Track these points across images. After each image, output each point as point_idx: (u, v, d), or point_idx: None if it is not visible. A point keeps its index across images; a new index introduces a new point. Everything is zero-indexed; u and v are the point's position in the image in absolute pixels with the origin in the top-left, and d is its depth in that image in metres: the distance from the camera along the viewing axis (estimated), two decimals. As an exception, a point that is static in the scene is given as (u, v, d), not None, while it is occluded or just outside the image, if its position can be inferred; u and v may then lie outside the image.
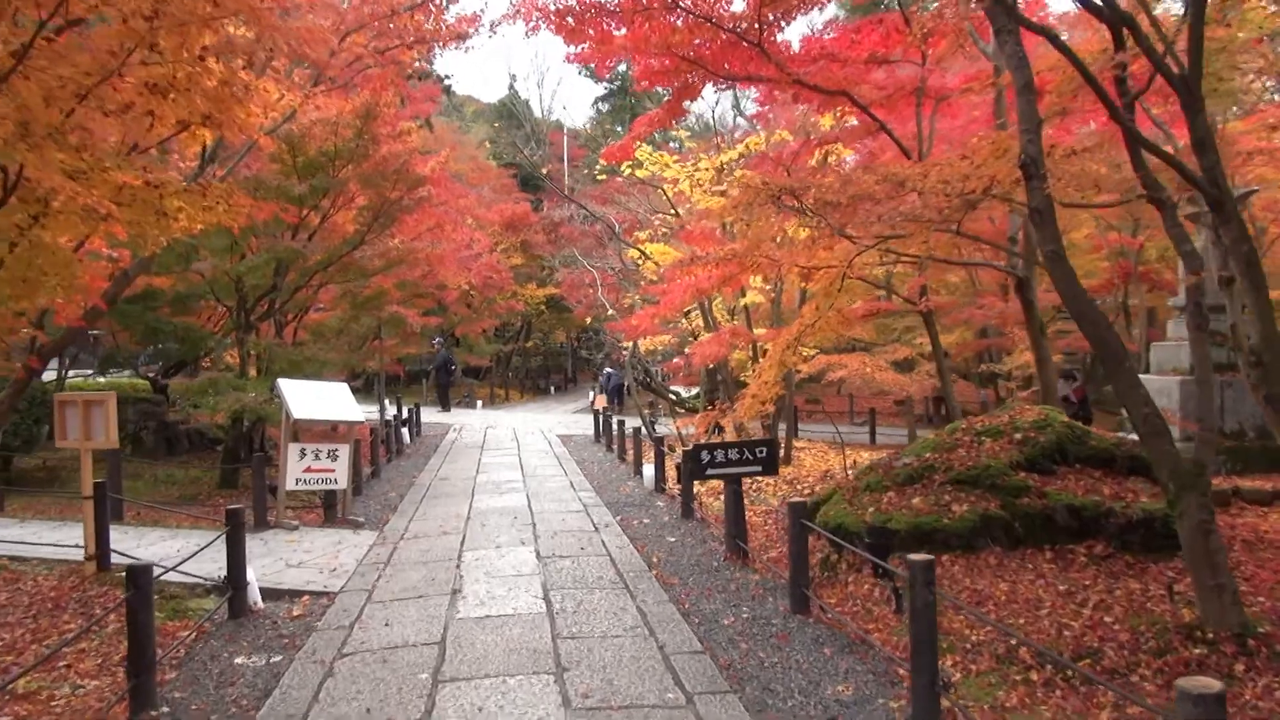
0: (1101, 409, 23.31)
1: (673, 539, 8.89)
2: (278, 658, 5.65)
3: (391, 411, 21.04)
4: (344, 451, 10.15)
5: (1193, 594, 5.39)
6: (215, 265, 11.39)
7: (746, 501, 8.65)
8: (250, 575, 6.65)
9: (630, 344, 16.30)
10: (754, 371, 8.88)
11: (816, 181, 6.65)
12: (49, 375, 19.86)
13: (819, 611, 6.18)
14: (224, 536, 6.56)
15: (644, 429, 13.69)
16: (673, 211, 13.19)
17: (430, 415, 24.25)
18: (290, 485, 9.77)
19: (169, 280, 13.41)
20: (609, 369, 28.73)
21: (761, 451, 7.74)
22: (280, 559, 8.16)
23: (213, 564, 6.86)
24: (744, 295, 12.42)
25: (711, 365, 16.27)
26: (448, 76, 57.84)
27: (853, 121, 11.51)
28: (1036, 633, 5.36)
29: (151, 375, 17.41)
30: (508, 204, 33.89)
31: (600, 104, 56.22)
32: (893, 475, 7.64)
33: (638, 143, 11.05)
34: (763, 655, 5.42)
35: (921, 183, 6.43)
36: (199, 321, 15.18)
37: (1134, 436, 8.12)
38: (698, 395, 19.44)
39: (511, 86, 68.69)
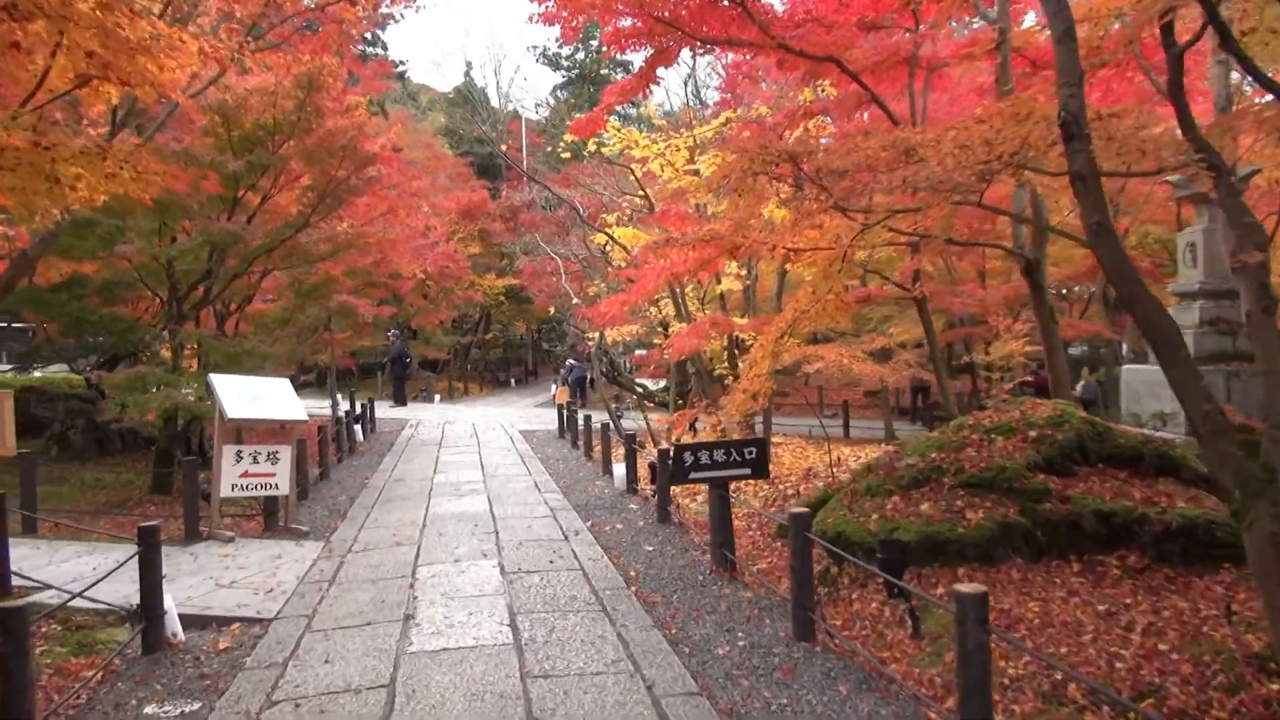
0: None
1: (650, 547, 8.10)
2: (194, 705, 4.76)
3: (344, 407, 20.04)
4: (286, 453, 9.21)
5: (1255, 615, 4.72)
6: (142, 249, 10.33)
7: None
8: (168, 602, 5.73)
9: (596, 334, 15.45)
10: (743, 364, 8.09)
11: (819, 146, 5.88)
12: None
13: (825, 637, 5.42)
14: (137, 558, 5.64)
15: (612, 425, 12.88)
16: (641, 193, 12.37)
17: (386, 410, 23.22)
18: (225, 492, 8.81)
19: (94, 266, 12.35)
20: (571, 361, 27.89)
21: (750, 452, 6.96)
22: (210, 577, 7.22)
23: (131, 584, 5.90)
24: (719, 282, 11.65)
25: (683, 358, 15.51)
26: (402, 62, 56.47)
27: (833, 94, 10.79)
28: (1083, 664, 4.65)
29: (87, 370, 16.26)
30: (464, 191, 32.85)
31: (559, 91, 55.23)
32: (896, 478, 6.92)
33: (607, 114, 10.21)
34: (768, 695, 4.64)
35: (934, 150, 5.68)
36: (131, 312, 14.08)
37: (1163, 434, 7.50)
38: (665, 388, 18.68)
39: (468, 74, 67.08)
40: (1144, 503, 6.12)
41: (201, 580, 7.14)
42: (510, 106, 52.83)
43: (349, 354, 24.17)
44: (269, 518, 9.24)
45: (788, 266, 11.18)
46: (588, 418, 14.67)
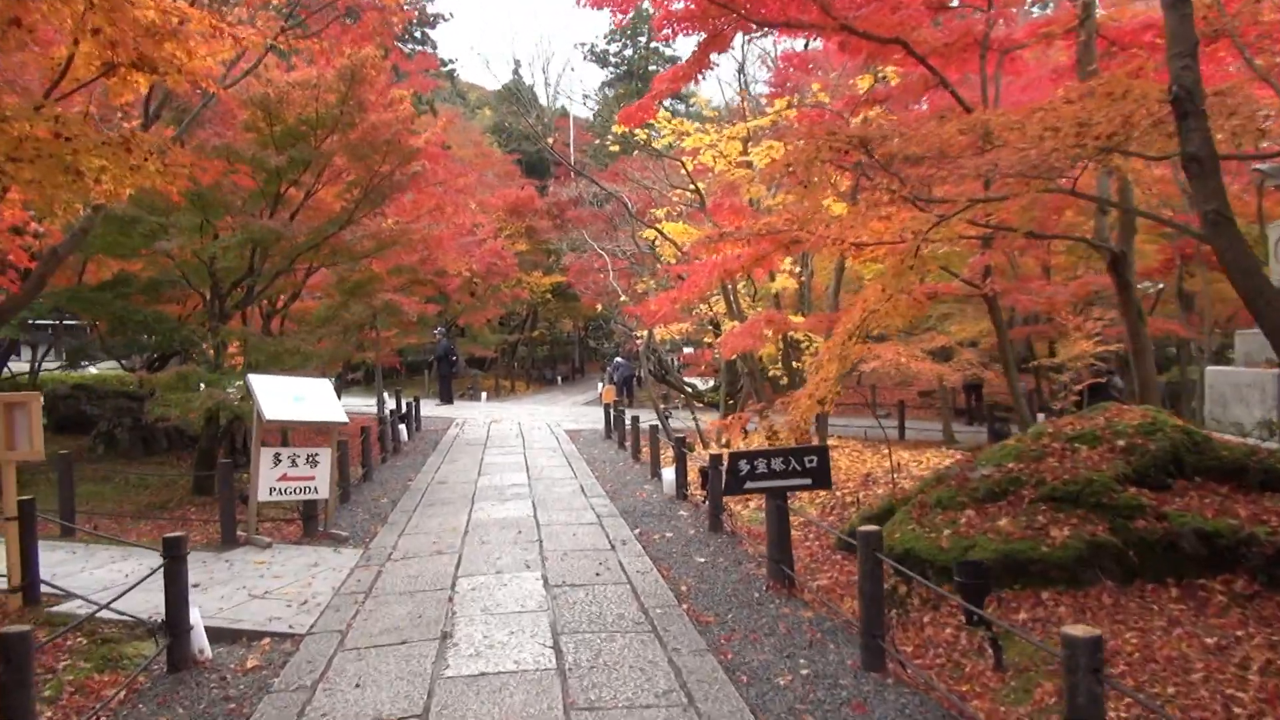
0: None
1: (702, 559, 7.67)
2: (216, 733, 4.45)
3: (390, 405, 19.90)
4: (325, 456, 8.94)
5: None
6: (184, 246, 10.15)
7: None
8: (195, 617, 5.44)
9: (645, 333, 15.04)
10: (807, 365, 7.61)
11: (894, 130, 5.38)
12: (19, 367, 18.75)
13: (897, 668, 4.94)
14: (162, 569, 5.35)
15: (660, 427, 12.46)
16: (692, 187, 11.92)
17: (432, 408, 23.08)
18: (263, 496, 8.57)
19: (140, 264, 12.26)
20: (618, 359, 27.57)
21: (811, 461, 6.49)
22: (243, 587, 6.95)
23: (162, 594, 5.66)
24: (773, 279, 11.17)
25: (734, 357, 15.03)
26: (451, 60, 56.74)
27: (894, 81, 10.25)
28: (1196, 708, 4.11)
29: (140, 369, 16.29)
30: (512, 189, 32.66)
31: (607, 89, 55.03)
32: (970, 489, 6.40)
33: (657, 103, 9.79)
34: (837, 735, 4.19)
35: (1017, 133, 5.16)
36: (178, 310, 14.01)
37: (1269, 445, 6.88)
38: (715, 388, 18.21)
39: (516, 72, 67.35)
40: (1250, 521, 5.53)
41: (234, 590, 6.86)
42: (558, 104, 52.79)
43: (395, 352, 24.08)
44: (308, 522, 8.99)
45: (849, 262, 10.64)
46: (635, 418, 14.27)
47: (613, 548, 7.95)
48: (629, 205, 12.71)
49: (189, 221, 10.38)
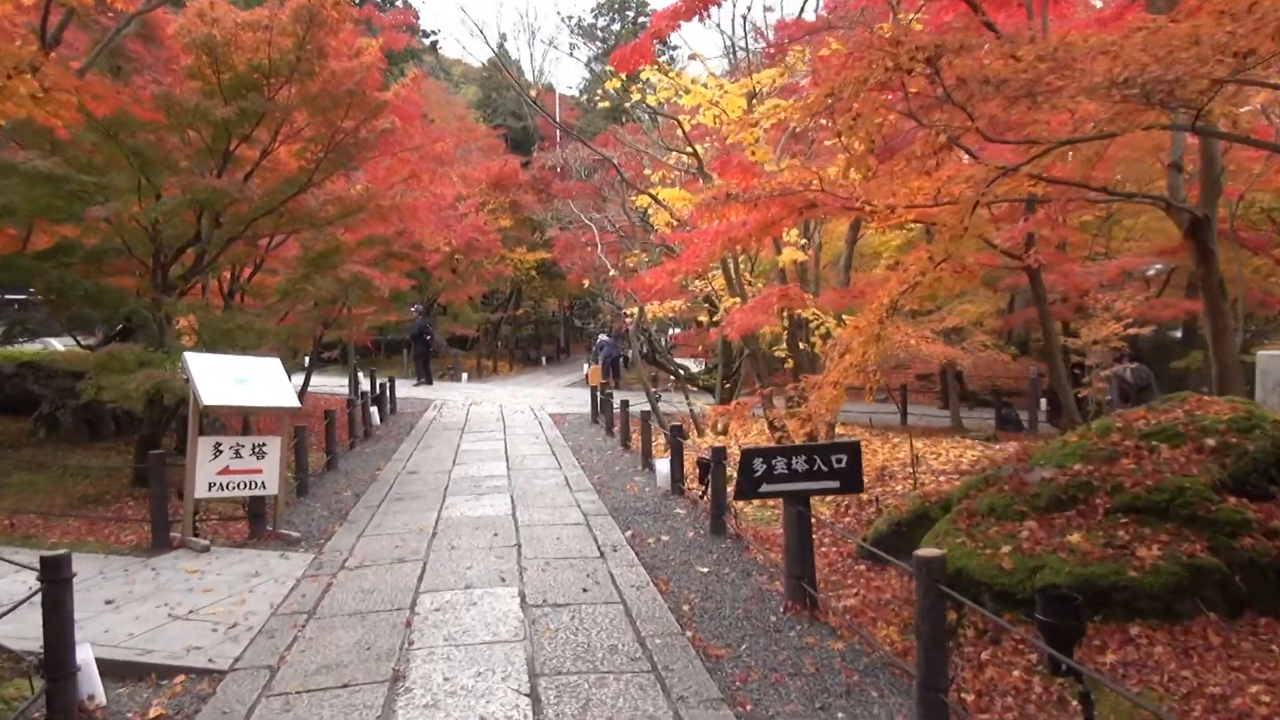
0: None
1: (705, 568, 6.64)
2: (86, 823, 3.39)
3: (365, 386, 18.78)
4: (274, 447, 7.85)
5: None
6: (119, 210, 8.97)
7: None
8: (84, 655, 4.36)
9: (635, 311, 13.97)
10: (829, 350, 6.57)
11: (975, 41, 4.29)
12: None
13: (963, 726, 3.94)
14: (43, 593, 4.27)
15: (653, 412, 11.42)
16: (689, 149, 10.82)
17: (410, 390, 21.95)
18: (201, 492, 7.47)
19: (80, 231, 11.06)
20: (603, 337, 26.41)
21: (839, 460, 5.46)
22: (166, 604, 5.87)
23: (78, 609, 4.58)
24: (779, 251, 10.10)
25: (736, 338, 13.99)
26: (434, 32, 55.20)
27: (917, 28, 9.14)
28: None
29: (90, 345, 15.09)
30: (495, 162, 31.43)
31: (593, 64, 53.73)
32: (1029, 496, 5.38)
33: (656, 41, 8.70)
34: (903, 836, 3.17)
35: (1109, 59, 4.09)
36: (132, 283, 12.81)
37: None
38: (709, 370, 17.18)
39: (501, 45, 65.77)
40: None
41: (154, 608, 5.78)
42: (544, 79, 51.51)
43: (374, 330, 22.88)
44: (255, 521, 7.90)
45: (870, 232, 9.62)
46: (624, 403, 13.22)
47: (602, 555, 6.91)
48: (620, 169, 11.60)
49: (125, 181, 9.20)
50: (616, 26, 53.94)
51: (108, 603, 5.87)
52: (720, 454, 7.65)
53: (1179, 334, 19.15)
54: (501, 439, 13.69)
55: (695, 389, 16.78)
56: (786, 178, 7.54)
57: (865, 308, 5.98)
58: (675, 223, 11.10)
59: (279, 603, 5.87)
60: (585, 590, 5.97)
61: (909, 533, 6.51)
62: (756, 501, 9.23)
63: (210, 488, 7.50)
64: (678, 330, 23.61)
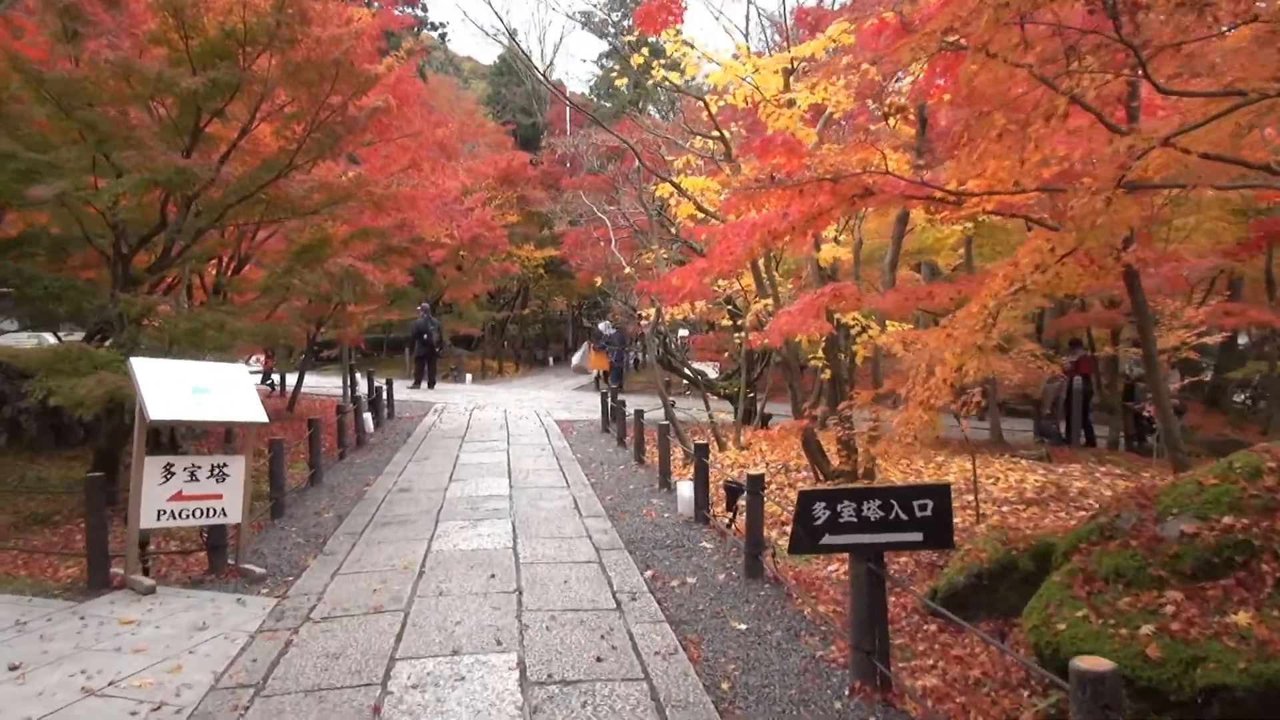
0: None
1: (742, 624, 5.51)
2: None
3: (363, 388, 17.71)
4: (237, 468, 6.75)
5: None
6: (66, 189, 7.87)
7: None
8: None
9: (651, 312, 12.84)
10: (913, 364, 5.44)
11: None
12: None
13: None
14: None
15: (674, 429, 10.29)
16: (715, 134, 9.68)
17: (408, 393, 20.84)
18: (148, 521, 6.37)
19: (44, 218, 10.01)
20: (605, 326, 25.11)
21: (923, 506, 4.33)
22: (84, 670, 4.76)
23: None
24: (818, 249, 8.97)
25: (778, 344, 12.85)
26: (443, 24, 54.48)
27: None
28: None
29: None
30: (503, 155, 30.36)
31: (604, 60, 52.69)
32: (1165, 555, 4.23)
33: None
34: None
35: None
36: (96, 275, 11.73)
37: None
38: (728, 377, 16.07)
39: (512, 39, 64.89)
40: None
41: (68, 677, 4.67)
42: (554, 76, 50.50)
43: (369, 328, 21.79)
44: (214, 553, 6.80)
45: (933, 220, 8.48)
46: (639, 413, 12.08)
47: (618, 606, 5.78)
48: (638, 154, 10.47)
49: (79, 159, 8.11)
50: (629, 22, 52.98)
51: (11, 669, 4.77)
52: (757, 483, 6.52)
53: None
54: (504, 450, 12.58)
55: (715, 397, 15.61)
56: (838, 160, 6.44)
57: (960, 313, 4.83)
58: (699, 216, 9.96)
59: (223, 670, 4.76)
60: (600, 660, 4.83)
61: (992, 588, 5.38)
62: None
63: (160, 516, 6.40)
64: (686, 333, 22.41)
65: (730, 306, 14.56)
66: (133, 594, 6.11)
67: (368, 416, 14.02)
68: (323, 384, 21.67)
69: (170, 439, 10.59)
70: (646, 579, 6.45)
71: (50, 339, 17.46)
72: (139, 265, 9.40)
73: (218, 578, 6.62)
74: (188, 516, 6.52)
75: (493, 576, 6.38)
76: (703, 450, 8.25)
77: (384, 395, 16.35)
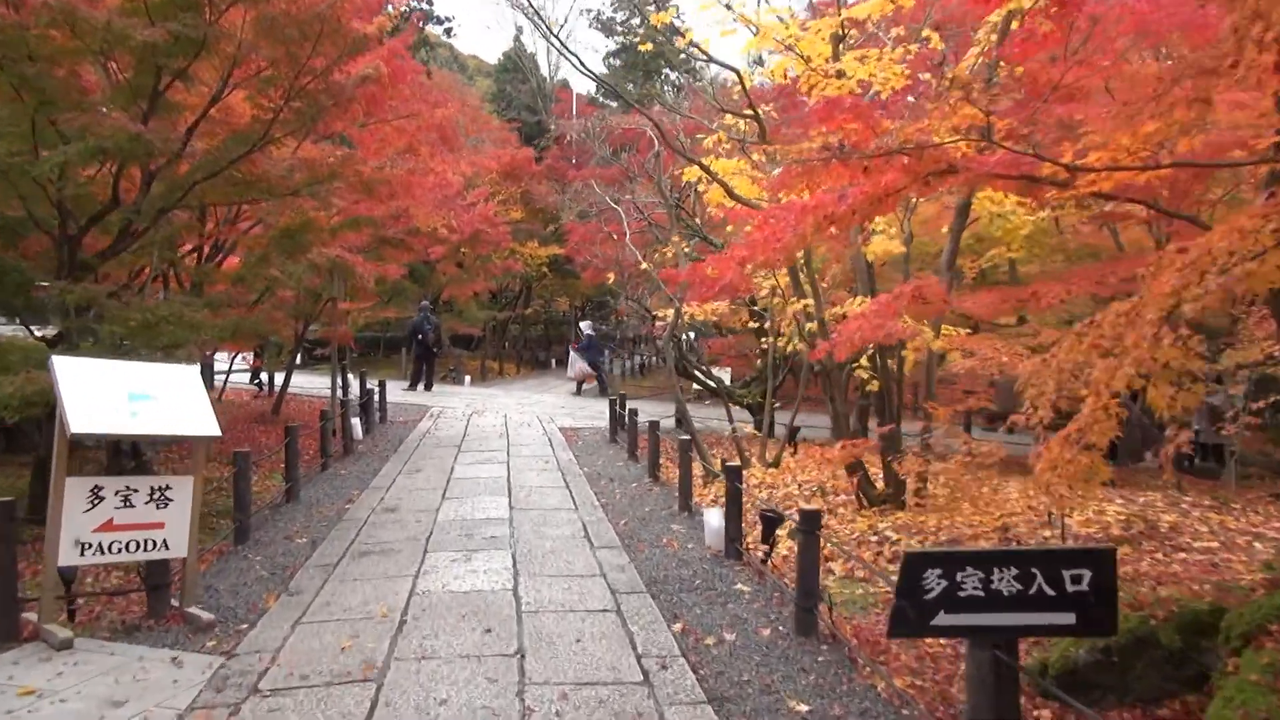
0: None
1: (805, 706, 4.35)
2: None
3: (355, 390, 16.56)
4: (183, 491, 5.59)
5: None
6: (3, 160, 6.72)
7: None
8: None
9: (668, 313, 11.68)
10: (1028, 388, 4.27)
11: None
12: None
13: None
14: None
15: (695, 445, 9.14)
16: (748, 112, 8.54)
17: (405, 394, 19.65)
18: (69, 557, 5.20)
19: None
20: (585, 326, 24.20)
21: (1077, 578, 3.17)
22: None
23: None
24: (866, 242, 7.82)
25: (845, 355, 11.70)
26: (449, 18, 53.63)
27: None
28: None
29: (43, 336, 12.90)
30: (507, 150, 29.26)
31: (611, 59, 51.66)
32: None
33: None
34: None
35: None
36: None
37: None
38: (746, 385, 14.92)
39: (517, 39, 63.75)
40: None
41: (-81, 783, 3.52)
42: (560, 75, 49.52)
43: (363, 325, 20.60)
44: (154, 594, 5.64)
45: (1003, 208, 7.37)
46: (653, 424, 10.88)
47: (645, 677, 4.61)
48: (662, 131, 9.30)
49: (15, 122, 6.96)
50: (636, 20, 51.92)
51: None
52: (812, 521, 5.35)
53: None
54: (504, 463, 11.41)
55: (744, 406, 14.43)
56: (923, 124, 5.32)
57: (1109, 317, 3.68)
58: (728, 203, 8.80)
59: (130, 773, 3.60)
60: (628, 764, 3.68)
61: (1124, 666, 4.24)
62: (840, 570, 6.97)
63: (83, 551, 5.23)
64: (693, 334, 21.25)
65: (751, 307, 13.41)
66: (44, 649, 4.95)
67: (356, 422, 12.85)
68: (315, 384, 20.50)
69: (133, 449, 9.44)
70: (676, 634, 5.29)
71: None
72: (92, 250, 8.25)
73: (156, 625, 5.47)
74: (119, 551, 5.36)
75: (489, 631, 5.22)
76: (735, 473, 7.08)
77: (375, 398, 15.17)
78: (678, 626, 5.43)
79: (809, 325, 8.44)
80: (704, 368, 15.57)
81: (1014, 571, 3.21)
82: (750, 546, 7.07)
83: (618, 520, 8.40)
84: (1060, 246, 14.97)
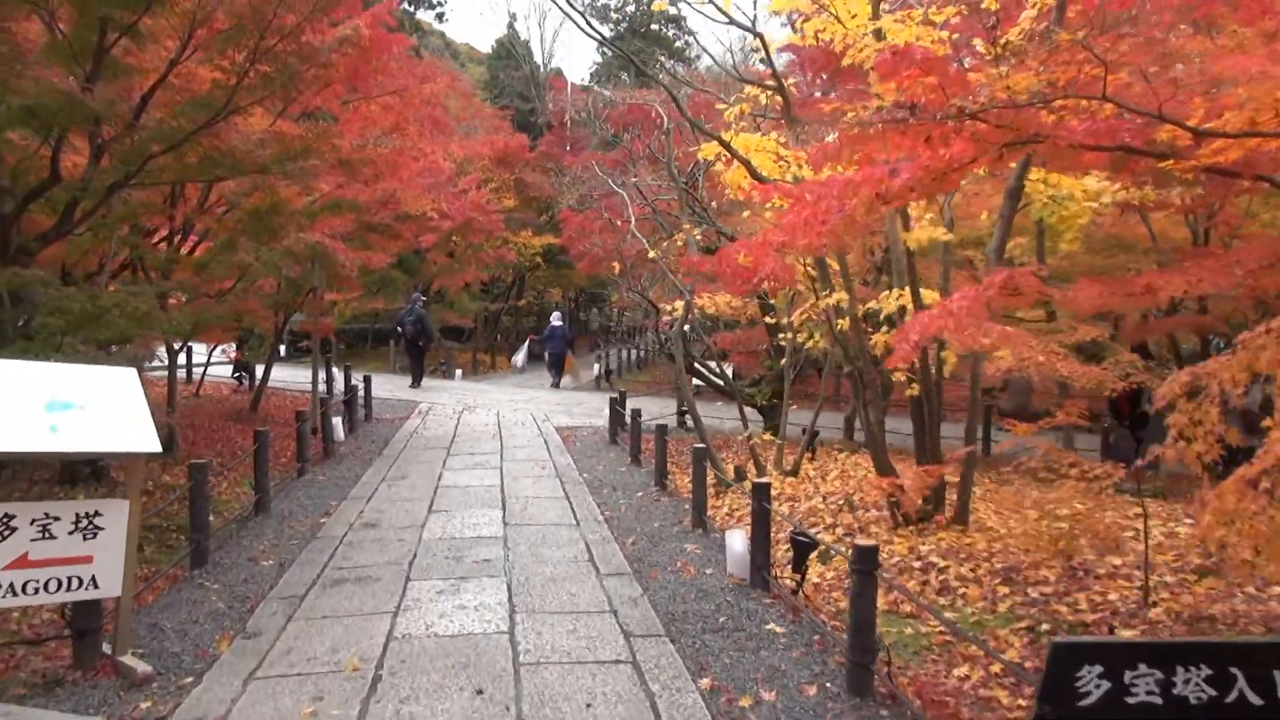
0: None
1: (871, 802, 3.48)
2: None
3: (340, 386, 15.65)
4: (116, 518, 4.68)
5: None
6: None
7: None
8: None
9: (678, 306, 10.78)
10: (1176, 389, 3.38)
11: None
12: None
13: None
14: None
15: (702, 442, 8.24)
16: (770, 84, 7.64)
17: (393, 389, 18.70)
18: (-29, 600, 4.30)
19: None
20: (556, 318, 23.60)
21: (1295, 683, 2.34)
22: None
23: None
24: (906, 228, 6.93)
25: (786, 343, 10.84)
26: (441, 2, 52.70)
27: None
28: None
29: None
30: (500, 137, 28.31)
31: (605, 48, 50.69)
32: None
33: None
34: None
35: None
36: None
37: None
38: (755, 383, 14.03)
39: (511, 26, 62.73)
40: None
41: None
42: (554, 63, 48.64)
43: (349, 319, 19.61)
44: (81, 642, 4.73)
45: (1058, 190, 6.51)
46: (661, 428, 9.96)
47: (675, 760, 3.73)
48: (679, 102, 8.37)
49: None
50: (631, 8, 50.94)
51: None
52: (868, 558, 4.46)
53: None
54: (497, 468, 10.51)
55: (757, 406, 13.52)
56: (1000, 89, 4.45)
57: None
58: (747, 185, 7.89)
59: None
60: None
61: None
62: (883, 603, 6.08)
63: (-11, 592, 4.32)
64: (687, 329, 20.30)
65: (762, 301, 12.52)
66: (-65, 716, 4.05)
67: (338, 421, 11.91)
68: (300, 378, 19.51)
69: (91, 461, 8.52)
70: (704, 693, 4.41)
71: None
72: (35, 232, 7.31)
73: (83, 678, 4.57)
74: (36, 591, 4.44)
75: (480, 693, 4.32)
76: (764, 491, 6.18)
77: (356, 396, 14.23)
78: (705, 682, 4.56)
79: (839, 322, 7.55)
80: (709, 364, 14.66)
81: (1205, 672, 2.34)
82: (779, 574, 6.20)
83: (624, 538, 7.51)
84: (1085, 237, 14.12)
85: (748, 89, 8.12)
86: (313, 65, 7.42)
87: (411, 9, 41.83)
